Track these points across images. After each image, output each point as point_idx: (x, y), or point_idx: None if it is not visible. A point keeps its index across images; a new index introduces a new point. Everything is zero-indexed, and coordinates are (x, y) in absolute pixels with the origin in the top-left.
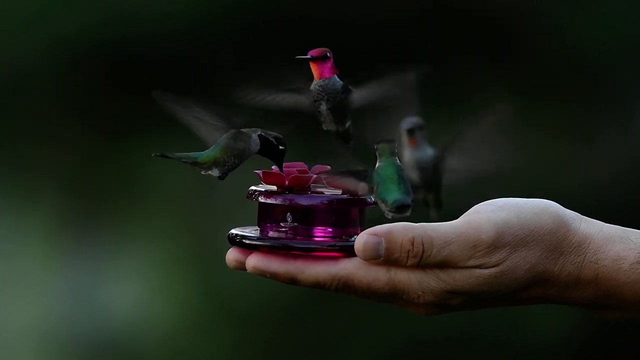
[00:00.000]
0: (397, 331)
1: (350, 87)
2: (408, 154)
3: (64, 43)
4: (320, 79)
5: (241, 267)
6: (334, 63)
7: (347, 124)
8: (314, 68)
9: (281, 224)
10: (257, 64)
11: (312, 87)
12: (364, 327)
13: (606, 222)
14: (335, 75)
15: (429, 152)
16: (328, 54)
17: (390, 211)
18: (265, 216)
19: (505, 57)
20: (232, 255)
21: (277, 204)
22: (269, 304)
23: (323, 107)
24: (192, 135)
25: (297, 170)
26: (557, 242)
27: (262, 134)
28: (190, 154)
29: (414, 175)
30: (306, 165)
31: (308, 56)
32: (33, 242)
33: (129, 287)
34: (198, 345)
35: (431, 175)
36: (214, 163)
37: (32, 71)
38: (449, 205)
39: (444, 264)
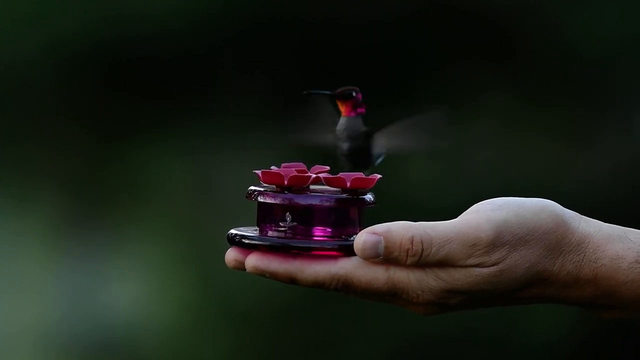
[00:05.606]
0: (397, 330)
1: (373, 131)
2: (341, 122)
3: (64, 43)
4: (345, 116)
5: (240, 266)
6: (360, 102)
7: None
8: (339, 104)
9: (280, 223)
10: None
11: (338, 124)
12: (364, 326)
13: (606, 222)
14: (359, 117)
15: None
16: (354, 93)
17: None
18: (265, 216)
19: (505, 58)
20: (231, 255)
21: (276, 204)
22: (268, 303)
23: (344, 147)
24: (191, 136)
25: (296, 170)
26: (556, 241)
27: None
28: None
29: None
30: (305, 165)
31: (327, 92)
32: (33, 242)
33: (129, 287)
34: (197, 345)
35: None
36: None
37: (31, 71)
38: (445, 205)
39: (443, 263)
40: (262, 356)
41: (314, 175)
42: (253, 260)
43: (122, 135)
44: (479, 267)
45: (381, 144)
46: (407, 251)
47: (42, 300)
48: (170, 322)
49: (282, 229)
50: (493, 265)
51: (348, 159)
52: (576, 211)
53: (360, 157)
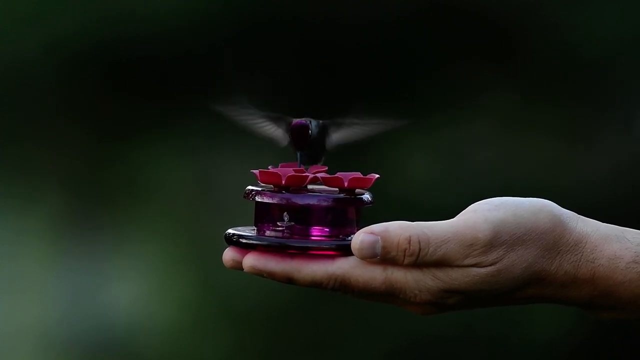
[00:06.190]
0: (397, 330)
1: (324, 127)
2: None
3: (64, 43)
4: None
5: (238, 266)
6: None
7: (323, 159)
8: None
9: (278, 223)
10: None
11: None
12: (363, 326)
13: (606, 222)
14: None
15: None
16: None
17: None
18: (262, 216)
19: (505, 58)
20: (229, 254)
21: (274, 204)
22: (268, 303)
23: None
24: (191, 136)
25: (293, 169)
26: (553, 241)
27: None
28: None
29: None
30: (303, 165)
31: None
32: (33, 242)
33: (129, 287)
34: (197, 345)
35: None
36: None
37: (31, 71)
38: (445, 205)
39: (440, 263)
40: (262, 356)
41: (312, 175)
42: (250, 260)
43: (122, 135)
44: (477, 267)
45: (334, 136)
46: (405, 251)
47: (42, 300)
48: (170, 322)
49: (280, 228)
50: (490, 265)
51: (306, 157)
52: (576, 211)
53: (313, 154)
